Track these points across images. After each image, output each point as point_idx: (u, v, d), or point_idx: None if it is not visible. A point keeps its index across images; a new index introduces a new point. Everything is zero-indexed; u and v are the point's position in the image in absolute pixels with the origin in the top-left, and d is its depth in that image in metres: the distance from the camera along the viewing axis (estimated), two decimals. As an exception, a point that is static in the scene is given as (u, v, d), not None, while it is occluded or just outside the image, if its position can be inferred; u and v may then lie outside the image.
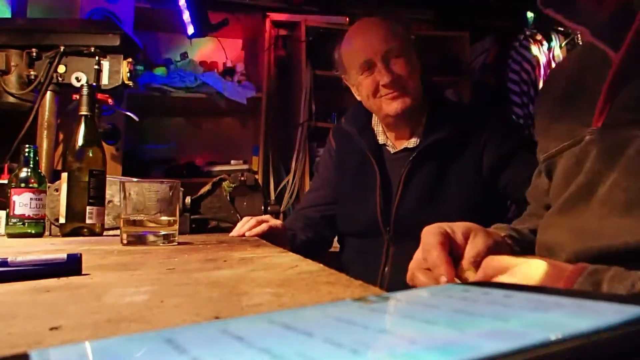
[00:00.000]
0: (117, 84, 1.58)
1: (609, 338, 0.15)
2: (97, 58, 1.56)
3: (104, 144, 1.19)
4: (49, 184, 1.17)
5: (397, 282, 1.17)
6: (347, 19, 2.74)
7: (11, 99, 1.56)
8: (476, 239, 0.67)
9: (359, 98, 1.30)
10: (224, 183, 1.32)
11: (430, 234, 0.67)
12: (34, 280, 0.45)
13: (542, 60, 2.76)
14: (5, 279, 0.44)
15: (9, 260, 0.46)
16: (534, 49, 2.77)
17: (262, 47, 2.68)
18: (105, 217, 1.14)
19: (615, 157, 0.61)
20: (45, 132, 1.57)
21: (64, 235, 1.09)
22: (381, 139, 1.30)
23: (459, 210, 1.14)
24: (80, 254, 0.50)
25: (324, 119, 2.62)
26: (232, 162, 2.66)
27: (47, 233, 1.17)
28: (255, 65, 2.78)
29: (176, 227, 0.87)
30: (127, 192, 0.85)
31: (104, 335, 0.26)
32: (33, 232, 1.11)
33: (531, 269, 0.55)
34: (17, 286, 0.42)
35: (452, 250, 0.66)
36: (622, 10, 0.63)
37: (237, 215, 1.30)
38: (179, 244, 0.86)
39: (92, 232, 1.09)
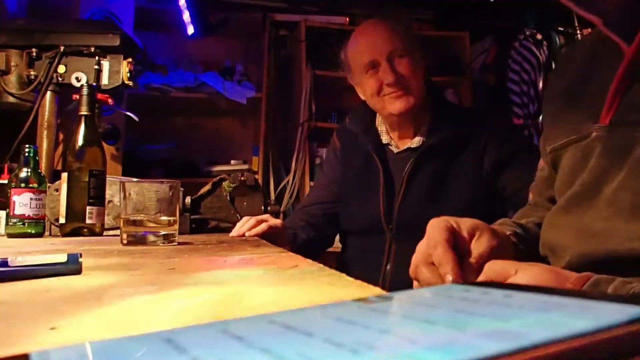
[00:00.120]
0: (117, 84, 1.58)
1: (609, 338, 0.15)
2: (97, 58, 1.56)
3: (104, 144, 1.19)
4: (49, 184, 1.17)
5: (399, 280, 1.17)
6: (347, 19, 2.74)
7: (11, 99, 1.56)
8: (480, 240, 0.66)
9: (363, 97, 1.32)
10: (224, 183, 1.32)
11: (436, 228, 0.65)
12: (34, 280, 0.45)
13: (542, 60, 2.76)
14: (5, 279, 0.44)
15: (9, 260, 0.46)
16: (534, 49, 2.77)
17: (262, 47, 2.68)
18: (105, 217, 1.14)
19: (622, 157, 0.60)
20: (45, 132, 1.57)
21: (64, 235, 1.09)
22: (385, 139, 1.32)
23: (461, 209, 1.15)
24: (80, 254, 0.50)
25: (324, 119, 2.62)
26: (232, 162, 2.66)
27: (47, 233, 1.17)
28: (255, 65, 2.78)
29: (176, 227, 0.87)
30: (127, 192, 0.85)
31: (104, 335, 0.26)
32: (33, 232, 1.11)
33: (531, 279, 0.54)
34: (17, 286, 0.42)
35: (457, 245, 0.64)
36: (637, 0, 0.61)
37: (237, 215, 1.30)
38: (179, 244, 0.86)
39: (92, 232, 1.09)
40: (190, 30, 2.42)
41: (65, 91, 1.59)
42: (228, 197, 1.32)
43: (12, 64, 1.56)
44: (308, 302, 0.33)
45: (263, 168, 2.61)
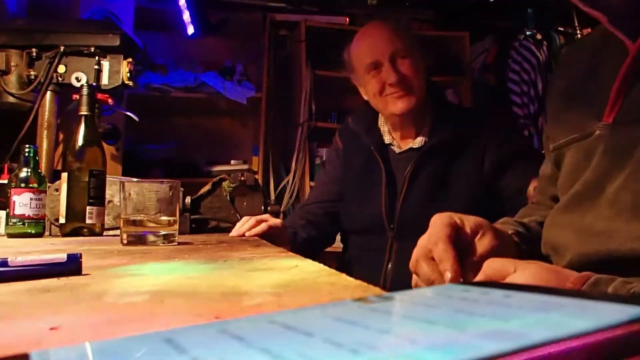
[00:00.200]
0: (117, 84, 1.58)
1: (609, 338, 0.15)
2: (97, 58, 1.56)
3: (104, 144, 1.19)
4: (49, 184, 1.17)
5: (400, 279, 1.18)
6: (347, 19, 2.74)
7: (11, 99, 1.56)
8: (483, 238, 0.65)
9: (365, 97, 1.34)
10: (224, 183, 1.32)
11: (439, 223, 0.64)
12: (34, 280, 0.45)
13: (542, 60, 2.76)
14: (5, 279, 0.44)
15: (9, 260, 0.46)
16: (534, 49, 2.76)
17: (262, 47, 2.68)
18: (105, 217, 1.14)
19: (624, 156, 0.60)
20: (45, 132, 1.57)
21: (64, 235, 1.09)
22: (387, 139, 1.34)
23: (461, 209, 1.15)
24: (80, 254, 0.50)
25: (324, 119, 2.62)
26: (232, 162, 2.66)
27: (47, 233, 1.17)
28: (255, 65, 2.78)
29: (176, 227, 0.87)
30: (127, 192, 0.85)
31: (104, 335, 0.26)
32: (33, 232, 1.11)
33: (530, 278, 0.54)
34: (17, 286, 0.42)
35: (460, 242, 0.64)
36: None
37: (237, 215, 1.30)
38: (179, 244, 0.86)
39: (92, 232, 1.09)
40: (190, 30, 2.42)
41: (65, 91, 1.59)
42: (228, 197, 1.32)
43: (12, 64, 1.56)
44: (308, 302, 0.33)
45: (263, 168, 2.61)
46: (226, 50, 2.80)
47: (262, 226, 1.13)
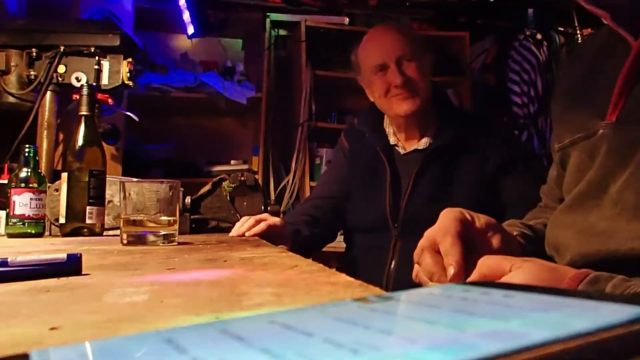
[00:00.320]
0: (117, 84, 1.58)
1: (609, 338, 0.15)
2: (97, 58, 1.56)
3: (104, 144, 1.19)
4: (49, 184, 1.17)
5: (403, 276, 1.19)
6: (347, 19, 2.74)
7: (11, 99, 1.56)
8: (492, 239, 0.64)
9: (371, 98, 1.37)
10: (224, 183, 1.32)
11: (449, 217, 0.63)
12: (34, 280, 0.45)
13: (542, 60, 2.76)
14: (5, 279, 0.44)
15: (9, 260, 0.45)
16: (534, 49, 2.76)
17: (262, 47, 2.68)
18: (105, 217, 1.14)
19: (627, 155, 0.59)
20: (45, 132, 1.57)
21: (64, 235, 1.09)
22: (392, 140, 1.37)
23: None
24: (80, 254, 0.49)
25: (324, 119, 2.62)
26: (232, 162, 2.66)
27: (47, 233, 1.17)
28: (255, 65, 2.78)
29: (176, 227, 0.87)
30: (127, 192, 0.85)
31: (104, 335, 0.26)
32: (33, 232, 1.11)
33: (526, 276, 0.53)
34: (17, 286, 0.42)
35: (468, 238, 0.62)
36: None
37: (237, 215, 1.30)
38: (179, 244, 0.86)
39: (92, 232, 1.09)
40: (190, 30, 2.42)
41: (65, 91, 1.59)
42: (228, 197, 1.32)
43: (12, 64, 1.56)
44: (308, 302, 0.33)
45: (263, 168, 2.61)
46: (226, 50, 2.80)
47: (262, 225, 1.13)
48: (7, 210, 1.12)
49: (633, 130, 0.60)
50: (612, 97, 0.62)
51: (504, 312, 0.18)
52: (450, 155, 1.27)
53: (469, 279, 0.58)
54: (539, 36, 2.78)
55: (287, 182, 2.56)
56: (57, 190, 1.15)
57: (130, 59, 1.60)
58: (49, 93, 1.56)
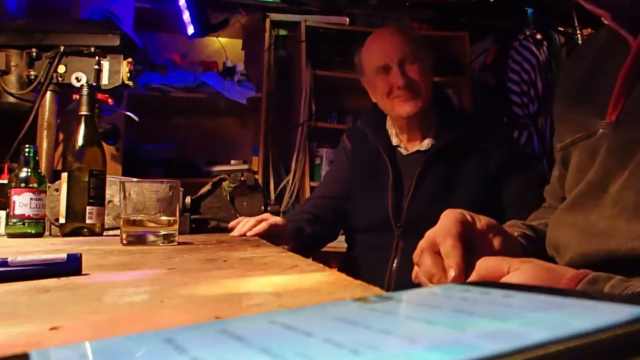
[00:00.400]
0: (117, 84, 1.58)
1: (609, 338, 0.15)
2: (97, 58, 1.56)
3: (104, 144, 1.19)
4: (49, 184, 1.17)
5: (405, 276, 1.18)
6: (347, 19, 2.74)
7: (11, 99, 1.56)
8: (493, 241, 0.64)
9: (374, 99, 1.39)
10: (224, 183, 1.32)
11: (450, 219, 0.62)
12: (34, 280, 0.45)
13: (542, 60, 2.76)
14: (5, 279, 0.44)
15: (9, 260, 0.46)
16: (534, 49, 2.76)
17: (262, 47, 2.68)
18: (105, 217, 1.14)
19: (627, 155, 0.59)
20: (45, 132, 1.57)
21: (64, 235, 1.09)
22: (394, 141, 1.38)
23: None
24: (80, 254, 0.49)
25: (324, 119, 2.62)
26: (232, 162, 2.65)
27: (47, 233, 1.17)
28: (255, 65, 2.78)
29: (176, 227, 0.87)
30: (127, 192, 0.85)
31: (104, 335, 0.26)
32: (33, 232, 1.11)
33: (524, 276, 0.52)
34: (17, 286, 0.42)
35: (468, 240, 0.62)
36: None
37: (237, 215, 1.30)
38: (179, 244, 0.86)
39: (92, 232, 1.09)
40: (190, 30, 2.42)
41: (65, 91, 1.59)
42: (228, 197, 1.32)
43: (12, 64, 1.56)
44: (308, 302, 0.33)
45: (263, 168, 2.61)
46: (226, 50, 2.80)
47: (263, 225, 1.13)
48: (7, 210, 1.12)
49: (633, 130, 0.60)
50: (612, 96, 0.62)
51: (503, 312, 0.18)
52: (452, 156, 1.28)
53: (467, 281, 0.58)
54: (539, 36, 2.78)
55: (287, 182, 2.56)
56: (57, 190, 1.15)
57: (130, 59, 1.60)
58: (49, 93, 1.56)
